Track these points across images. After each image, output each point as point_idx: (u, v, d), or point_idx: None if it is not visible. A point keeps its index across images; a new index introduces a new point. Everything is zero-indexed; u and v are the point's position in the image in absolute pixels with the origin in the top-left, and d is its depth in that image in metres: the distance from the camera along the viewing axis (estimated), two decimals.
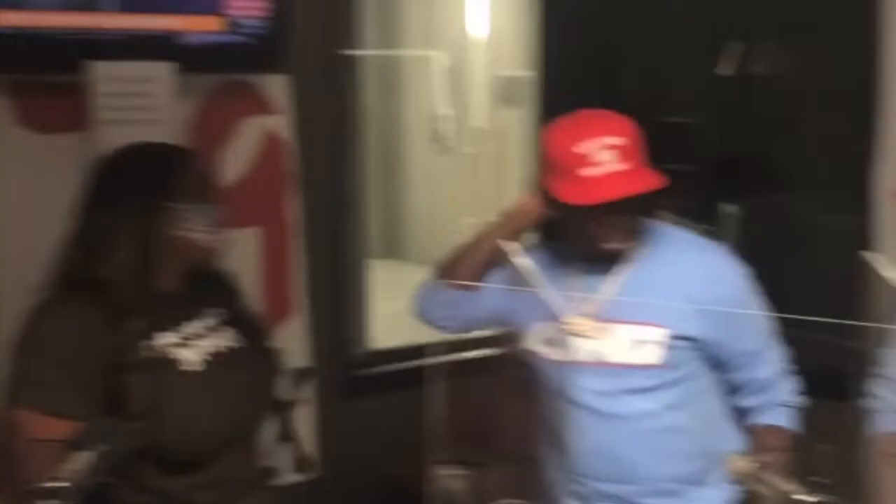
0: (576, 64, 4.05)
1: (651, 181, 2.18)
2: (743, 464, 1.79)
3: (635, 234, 2.28)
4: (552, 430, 2.35)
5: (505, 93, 4.74)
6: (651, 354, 2.24)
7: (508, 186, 5.20)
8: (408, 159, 6.06)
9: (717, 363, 2.31)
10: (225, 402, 2.16)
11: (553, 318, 2.30)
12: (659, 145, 3.31)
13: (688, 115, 4.13)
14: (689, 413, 2.27)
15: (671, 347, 2.24)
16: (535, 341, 2.34)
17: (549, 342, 2.33)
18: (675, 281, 2.26)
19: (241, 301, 2.39)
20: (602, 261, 2.28)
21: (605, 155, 2.15)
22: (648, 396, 2.25)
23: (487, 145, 5.31)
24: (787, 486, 1.64)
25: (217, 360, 2.19)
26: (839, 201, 3.47)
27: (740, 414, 2.36)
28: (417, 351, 3.45)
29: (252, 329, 2.34)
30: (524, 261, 2.23)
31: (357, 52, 3.68)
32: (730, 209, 3.97)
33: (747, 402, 2.34)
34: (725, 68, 4.12)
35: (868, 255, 1.75)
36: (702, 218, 4.05)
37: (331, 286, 3.60)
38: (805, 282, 3.51)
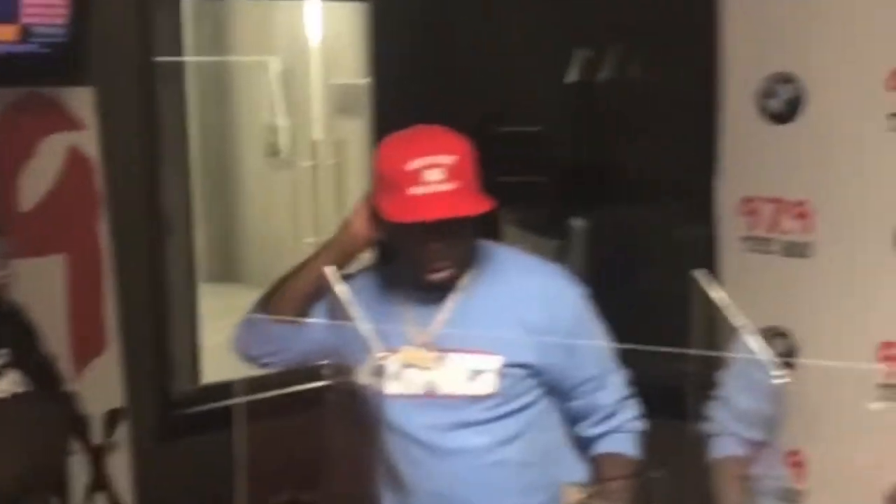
0: (414, 72, 4.02)
1: (478, 204, 2.18)
2: (575, 494, 1.78)
3: (462, 261, 2.26)
4: (387, 466, 2.31)
5: (342, 102, 4.72)
6: (486, 384, 2.22)
7: (350, 202, 5.22)
8: (242, 173, 6.02)
9: (557, 391, 2.31)
10: (7, 454, 2.06)
11: (383, 349, 2.26)
12: (505, 156, 3.28)
13: (535, 124, 4.16)
14: (528, 444, 2.27)
15: (507, 376, 2.22)
16: (366, 374, 2.30)
17: (380, 375, 2.29)
18: (510, 306, 2.26)
19: (31, 340, 2.26)
20: (434, 287, 2.26)
21: (434, 174, 2.16)
22: (484, 429, 2.24)
23: (326, 157, 5.33)
24: None
25: None
26: (688, 212, 3.52)
27: (583, 443, 2.36)
28: (253, 385, 3.37)
29: (42, 371, 2.22)
30: (342, 288, 2.19)
31: (175, 59, 3.58)
32: (579, 222, 4.05)
33: (590, 431, 2.34)
34: (573, 76, 4.17)
35: (698, 274, 1.77)
36: (552, 231, 4.12)
37: (151, 316, 3.47)
38: (653, 295, 3.56)
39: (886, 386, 2.61)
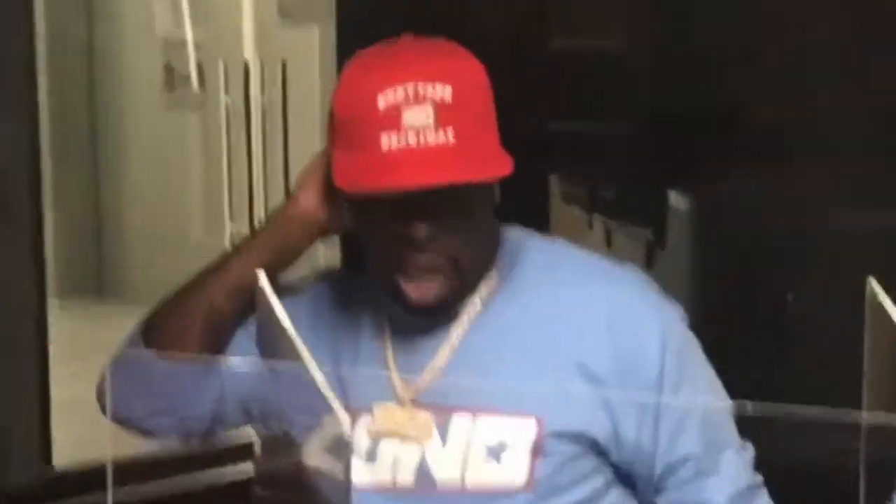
0: None
1: (491, 167, 2.20)
2: None
3: (467, 265, 2.27)
4: None
5: (285, 1, 4.75)
6: (515, 468, 2.24)
7: (295, 165, 5.24)
8: (121, 119, 6.14)
9: (635, 477, 2.33)
10: None
11: (346, 408, 2.20)
12: (558, 90, 3.21)
13: (610, 38, 4.13)
14: None
15: (551, 454, 2.24)
16: (317, 450, 2.25)
17: (340, 451, 2.24)
18: (556, 340, 2.27)
19: None
20: (421, 311, 2.28)
21: (419, 116, 2.18)
22: None
23: (261, 91, 5.45)
24: None
25: None
26: (857, 185, 3.51)
27: None
28: (133, 469, 3.31)
29: None
30: (278, 305, 2.15)
31: None
32: (681, 200, 4.03)
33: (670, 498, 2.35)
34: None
35: (874, 280, 1.79)
36: (637, 214, 4.15)
37: None
38: (800, 318, 3.57)
39: None
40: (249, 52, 5.50)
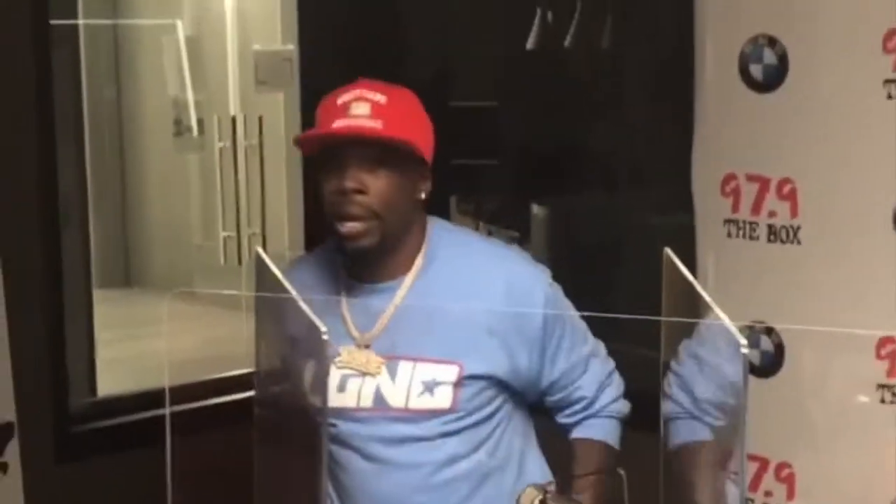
0: (347, 37, 4.10)
1: (400, 135, 2.27)
2: (532, 496, 1.89)
3: (382, 214, 2.31)
4: (328, 484, 2.36)
5: (262, 72, 4.80)
6: (443, 398, 2.33)
7: (274, 188, 5.32)
8: (143, 156, 6.12)
9: (528, 392, 2.43)
10: None
11: (321, 350, 2.35)
12: (455, 136, 3.41)
13: (489, 99, 4.35)
14: (488, 455, 2.39)
15: (466, 387, 2.33)
16: (313, 380, 2.38)
17: (316, 382, 2.38)
18: (470, 300, 2.33)
19: None
20: (351, 245, 2.33)
21: (361, 108, 2.27)
22: (440, 443, 2.35)
23: (243, 137, 5.44)
24: None
25: None
26: (664, 197, 3.63)
27: (560, 429, 2.51)
28: (153, 398, 3.49)
29: None
30: (273, 266, 2.25)
31: (69, 22, 3.71)
32: (539, 210, 4.21)
33: (567, 420, 2.49)
34: (533, 42, 4.30)
35: (669, 251, 1.91)
36: (508, 221, 4.30)
37: (45, 322, 3.60)
38: (625, 295, 3.68)
39: (886, 387, 2.68)
40: (236, 109, 5.49)
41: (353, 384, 2.36)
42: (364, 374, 2.35)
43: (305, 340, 2.06)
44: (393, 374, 2.34)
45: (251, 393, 2.27)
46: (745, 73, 2.84)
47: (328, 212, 2.32)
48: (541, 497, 1.88)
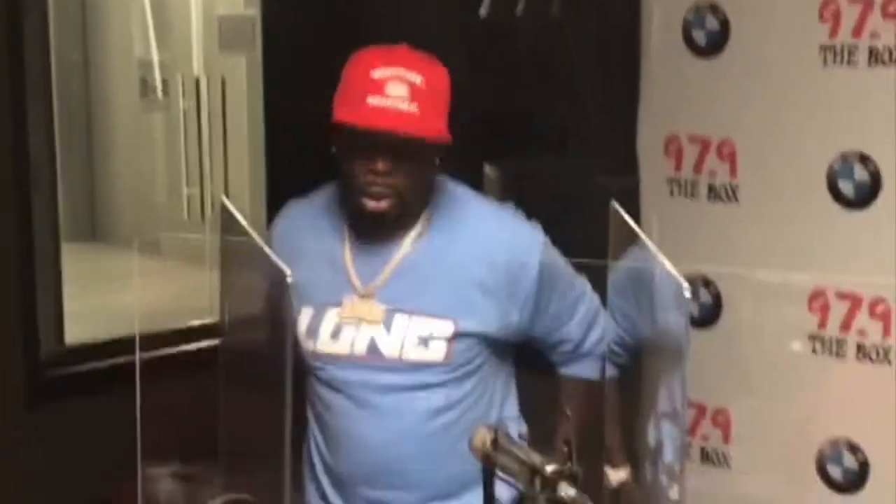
0: (307, 3, 4.06)
1: (436, 131, 2.27)
2: (483, 436, 1.89)
3: (407, 195, 2.31)
4: (308, 430, 2.44)
5: (225, 35, 4.77)
6: (436, 352, 2.34)
7: (235, 149, 5.30)
8: (109, 117, 6.03)
9: (520, 338, 2.43)
10: None
11: (317, 303, 2.36)
12: None
13: (444, 64, 4.33)
14: (472, 408, 2.39)
15: (459, 343, 2.34)
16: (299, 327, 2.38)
17: (310, 329, 2.38)
18: (468, 264, 2.34)
19: None
20: (372, 219, 2.32)
21: (398, 89, 2.24)
22: (429, 393, 2.36)
23: (207, 99, 5.42)
24: (527, 457, 1.78)
25: None
26: (610, 159, 3.64)
27: (552, 366, 2.54)
28: (121, 346, 3.43)
29: None
30: (240, 217, 2.17)
31: None
32: (491, 170, 4.22)
33: (555, 358, 2.51)
34: (485, 12, 4.31)
35: (615, 204, 1.93)
36: (462, 179, 4.34)
37: (16, 275, 3.59)
38: (573, 250, 3.73)
39: (817, 338, 2.77)
40: (199, 70, 5.43)
41: (348, 332, 2.36)
42: (361, 321, 2.35)
43: (272, 284, 2.04)
44: (389, 325, 2.34)
45: (216, 341, 2.27)
46: (688, 39, 2.90)
47: (350, 184, 2.31)
48: (492, 437, 1.89)
